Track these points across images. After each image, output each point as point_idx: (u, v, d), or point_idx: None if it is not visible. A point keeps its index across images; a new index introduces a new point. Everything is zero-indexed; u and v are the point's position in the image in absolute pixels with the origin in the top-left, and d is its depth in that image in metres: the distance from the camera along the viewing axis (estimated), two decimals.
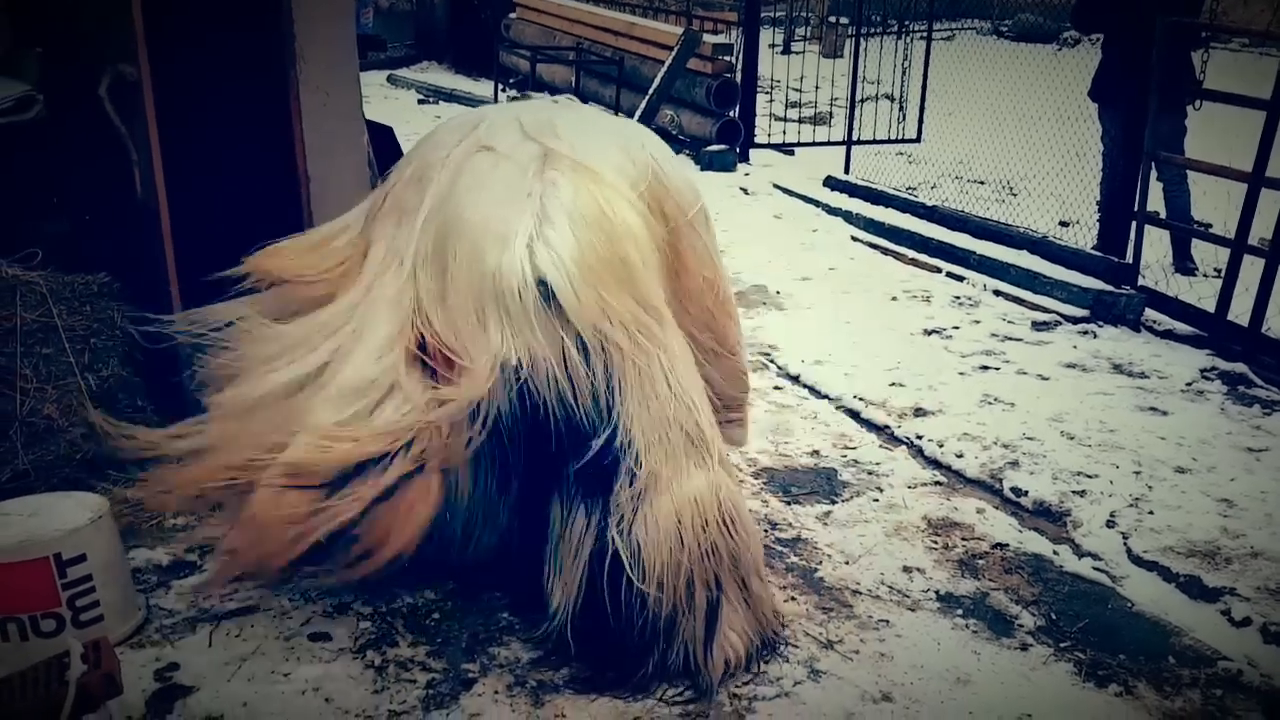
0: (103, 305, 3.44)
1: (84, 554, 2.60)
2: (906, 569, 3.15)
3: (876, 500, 3.58)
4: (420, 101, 12.22)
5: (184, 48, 4.38)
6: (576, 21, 11.50)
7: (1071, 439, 3.98)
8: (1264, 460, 3.82)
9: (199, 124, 4.57)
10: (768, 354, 4.83)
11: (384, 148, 6.51)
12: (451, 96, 12.25)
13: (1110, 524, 3.41)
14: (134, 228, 3.63)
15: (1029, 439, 3.98)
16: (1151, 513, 3.47)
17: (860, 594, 3.01)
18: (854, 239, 6.67)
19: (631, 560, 2.44)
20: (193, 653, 2.66)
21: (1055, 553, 3.27)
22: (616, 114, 7.45)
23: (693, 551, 2.47)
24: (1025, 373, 4.64)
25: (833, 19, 14.16)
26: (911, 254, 6.28)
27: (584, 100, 3.08)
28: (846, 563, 3.17)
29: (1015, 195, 7.61)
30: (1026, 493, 3.61)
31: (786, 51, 13.45)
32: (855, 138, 8.11)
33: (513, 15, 12.98)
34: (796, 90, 10.28)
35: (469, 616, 2.83)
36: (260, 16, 4.69)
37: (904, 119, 8.58)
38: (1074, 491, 3.60)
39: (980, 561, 3.20)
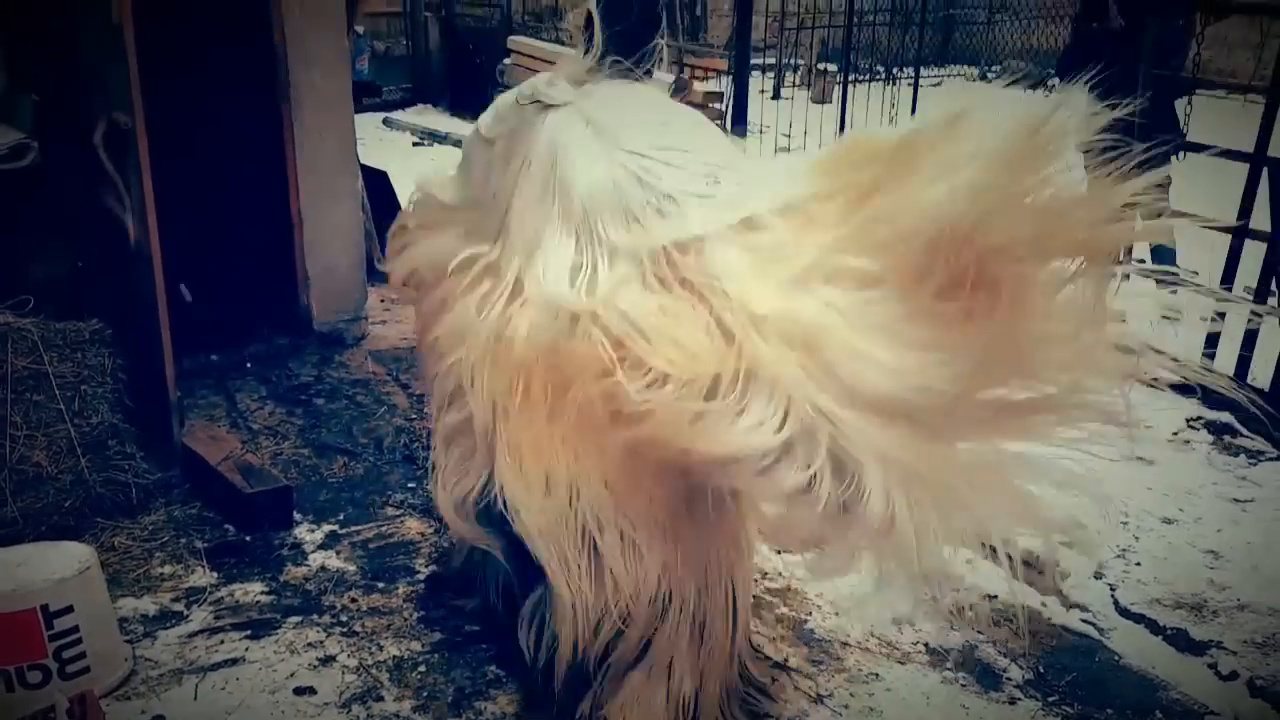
0: (94, 352, 3.44)
1: (71, 605, 2.60)
2: (895, 620, 3.15)
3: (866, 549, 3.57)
4: (415, 144, 12.30)
5: (180, 93, 4.43)
6: None
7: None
8: (1250, 511, 3.84)
9: (193, 168, 4.62)
10: None
11: (378, 192, 6.56)
12: (446, 139, 12.34)
13: (1098, 575, 3.42)
14: (127, 274, 3.65)
15: None
16: (1139, 564, 3.48)
17: (850, 646, 3.01)
18: None
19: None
20: (179, 705, 2.65)
21: (1043, 604, 3.27)
22: None
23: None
24: None
25: (822, 66, 14.32)
26: None
27: None
28: (836, 614, 3.17)
29: None
30: (1014, 542, 3.61)
31: (776, 97, 13.58)
32: None
33: (508, 61, 13.11)
34: (786, 136, 10.35)
35: (455, 669, 2.82)
36: (255, 62, 4.76)
37: None
38: (1060, 542, 3.60)
39: (969, 613, 3.20)
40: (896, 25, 10.54)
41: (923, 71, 9.17)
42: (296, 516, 3.58)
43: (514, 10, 14.32)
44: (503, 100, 2.60)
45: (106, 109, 3.50)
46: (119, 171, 3.51)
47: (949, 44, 17.59)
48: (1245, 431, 4.49)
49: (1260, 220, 4.70)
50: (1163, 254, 5.93)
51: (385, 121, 13.57)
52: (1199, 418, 4.61)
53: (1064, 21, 10.92)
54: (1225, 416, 4.58)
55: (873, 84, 9.61)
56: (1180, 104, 5.38)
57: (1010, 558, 1.96)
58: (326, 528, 3.55)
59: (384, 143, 12.13)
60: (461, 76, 14.08)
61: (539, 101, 2.40)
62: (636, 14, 2.47)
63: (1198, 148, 5.08)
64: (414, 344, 5.22)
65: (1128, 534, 3.66)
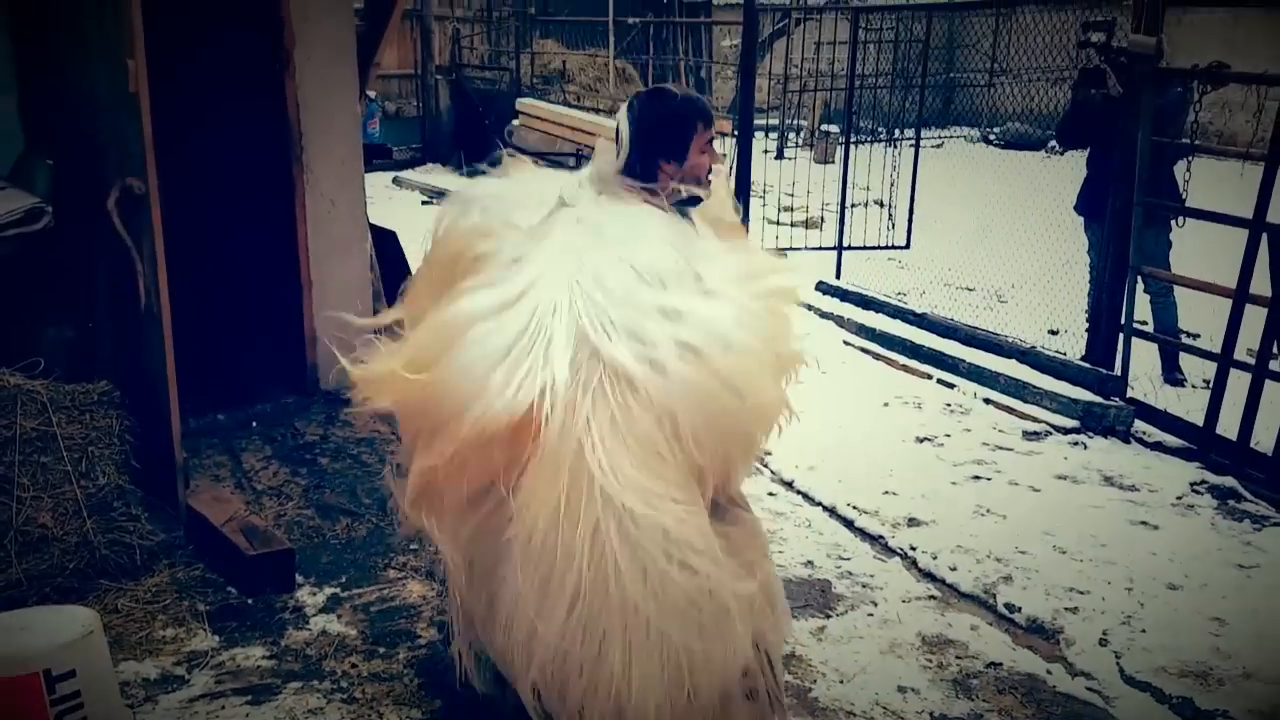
0: (102, 413, 3.47)
1: (74, 669, 2.58)
2: (901, 689, 3.13)
3: (871, 615, 3.57)
4: (424, 203, 12.44)
5: (192, 156, 4.51)
6: (576, 129, 11.82)
7: (1063, 553, 3.99)
8: (1254, 577, 3.82)
9: (204, 229, 4.69)
10: (761, 459, 4.85)
11: (388, 252, 6.63)
12: None
13: (1103, 642, 3.40)
14: (136, 336, 3.69)
15: (1021, 552, 3.99)
16: (1144, 631, 3.46)
17: (855, 715, 2.99)
18: (846, 343, 6.74)
19: None
20: None
21: (1049, 672, 3.25)
22: None
23: None
24: (1017, 483, 4.66)
25: (825, 127, 14.52)
26: (902, 360, 6.35)
27: None
28: (841, 681, 3.15)
29: (1004, 302, 7.72)
30: (1020, 609, 3.61)
31: (780, 157, 13.75)
32: (846, 243, 8.26)
33: (516, 122, 13.32)
34: (789, 195, 10.47)
35: None
36: (268, 127, 4.85)
37: (893, 226, 8.74)
38: (1066, 608, 3.59)
39: (974, 681, 3.19)
40: (898, 88, 10.70)
41: (924, 133, 9.28)
42: (298, 579, 3.58)
43: (523, 74, 14.56)
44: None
45: (121, 174, 3.57)
46: (131, 235, 3.57)
47: (950, 106, 17.84)
48: (1249, 496, 4.48)
49: (1261, 284, 4.73)
50: (1164, 317, 5.96)
51: (395, 180, 13.73)
52: (1203, 482, 4.61)
53: (1063, 85, 11.06)
54: (1229, 481, 4.58)
55: (874, 145, 9.73)
56: (1179, 168, 5.45)
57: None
58: (328, 590, 3.54)
59: (393, 201, 12.27)
60: (470, 137, 14.29)
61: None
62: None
63: (1198, 214, 5.14)
64: None
65: (1133, 600, 3.65)
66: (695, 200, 2.59)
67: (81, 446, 3.41)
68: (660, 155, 2.53)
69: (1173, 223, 5.62)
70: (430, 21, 14.86)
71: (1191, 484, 4.59)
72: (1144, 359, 5.79)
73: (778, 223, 10.18)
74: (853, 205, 8.50)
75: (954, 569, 3.87)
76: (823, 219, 10.08)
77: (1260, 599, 3.66)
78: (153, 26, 3.47)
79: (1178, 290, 5.86)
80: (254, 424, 4.85)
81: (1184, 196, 5.27)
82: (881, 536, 4.15)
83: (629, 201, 2.54)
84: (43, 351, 3.55)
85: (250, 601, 3.44)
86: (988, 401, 5.64)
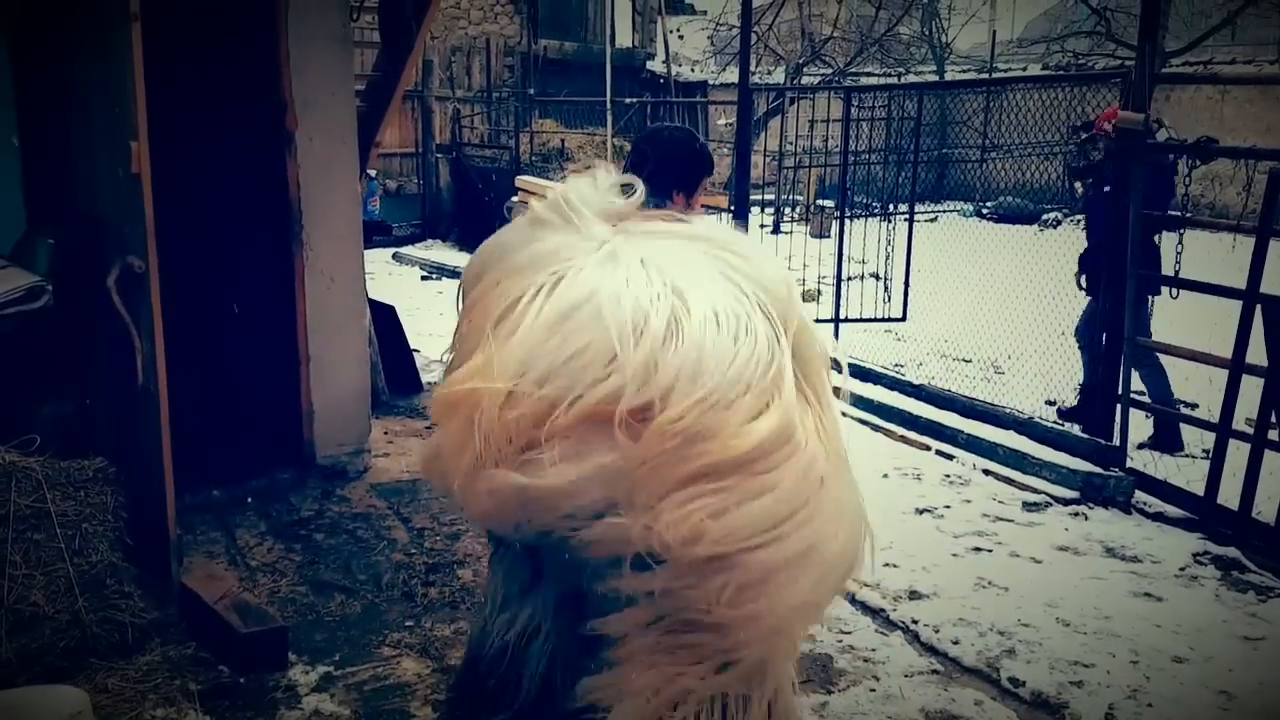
0: (96, 490, 3.46)
1: None
2: None
3: (873, 690, 3.51)
4: (423, 278, 12.56)
5: (193, 236, 4.57)
6: None
7: (1067, 625, 3.94)
8: (1261, 650, 3.77)
9: (203, 307, 4.73)
10: None
11: (386, 325, 6.68)
12: (455, 273, 12.61)
13: (1109, 717, 3.34)
14: (133, 413, 3.70)
15: (1025, 625, 3.94)
16: (1150, 705, 3.40)
17: None
18: (843, 414, 6.73)
19: None
20: None
21: None
22: None
23: None
24: (1018, 555, 4.62)
25: (820, 202, 14.73)
26: (901, 431, 6.35)
27: None
28: None
29: (1001, 374, 7.74)
30: (1024, 683, 3.55)
31: (776, 231, 13.92)
32: (843, 316, 8.32)
33: (515, 198, 13.50)
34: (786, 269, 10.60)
35: None
36: (270, 204, 4.92)
37: (889, 298, 8.81)
38: (1071, 682, 3.54)
39: None
40: (891, 164, 10.87)
41: (918, 207, 9.42)
42: (291, 657, 3.52)
43: (522, 152, 14.81)
44: None
45: (122, 252, 3.60)
46: (130, 313, 3.59)
47: (943, 181, 18.11)
48: (1253, 567, 4.44)
49: (1257, 354, 4.75)
50: (1153, 385, 5.96)
51: (395, 256, 13.88)
52: (1206, 553, 4.57)
53: (1054, 160, 11.26)
54: (1232, 551, 4.54)
55: (869, 219, 9.85)
56: (1171, 240, 5.50)
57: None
58: (321, 669, 3.49)
59: (394, 276, 12.39)
60: (470, 213, 14.48)
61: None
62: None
63: (1193, 285, 5.17)
64: (416, 477, 5.24)
65: (1138, 673, 3.60)
66: None
67: (75, 523, 3.39)
68: (677, 186, 2.76)
69: (1150, 294, 5.66)
70: (431, 102, 15.16)
71: (1194, 555, 4.56)
72: (1145, 430, 5.79)
73: None
74: (849, 278, 8.58)
75: (956, 642, 3.82)
76: (819, 292, 10.15)
77: (1267, 671, 3.61)
78: (156, 107, 3.54)
79: (1175, 360, 5.87)
80: (249, 499, 4.83)
81: (1177, 269, 5.32)
82: (883, 610, 4.10)
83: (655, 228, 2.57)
84: (39, 428, 3.54)
85: (242, 680, 3.39)
86: (987, 473, 5.63)
